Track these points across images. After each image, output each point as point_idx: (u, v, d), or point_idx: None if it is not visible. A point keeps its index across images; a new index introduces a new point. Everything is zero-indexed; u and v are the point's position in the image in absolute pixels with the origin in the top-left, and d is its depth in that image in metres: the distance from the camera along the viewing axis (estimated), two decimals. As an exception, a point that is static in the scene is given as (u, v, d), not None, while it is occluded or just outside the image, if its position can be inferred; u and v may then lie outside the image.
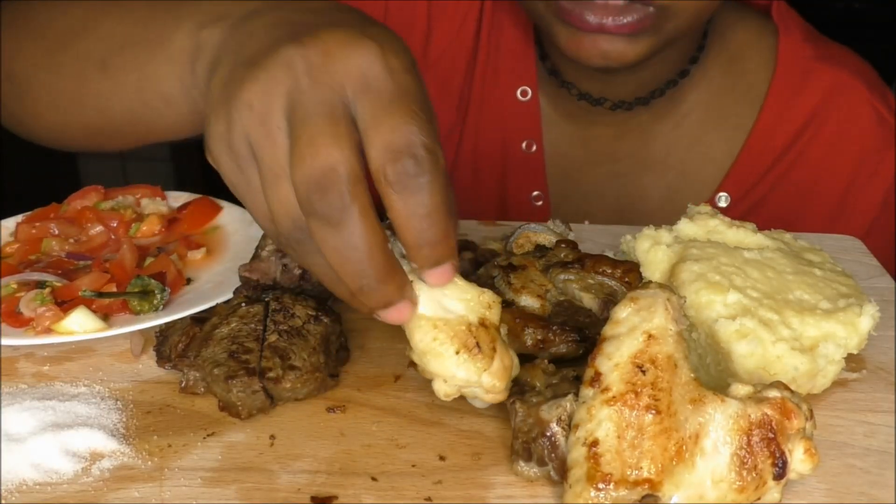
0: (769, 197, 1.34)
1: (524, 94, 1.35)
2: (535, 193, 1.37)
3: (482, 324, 0.69)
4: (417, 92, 0.64)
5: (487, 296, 0.70)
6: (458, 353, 0.67)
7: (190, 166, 3.10)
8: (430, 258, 0.64)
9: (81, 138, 1.09)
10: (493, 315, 0.70)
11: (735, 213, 1.21)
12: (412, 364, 0.70)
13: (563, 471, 0.65)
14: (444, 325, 0.67)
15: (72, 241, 1.01)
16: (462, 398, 0.71)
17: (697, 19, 1.17)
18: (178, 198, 1.11)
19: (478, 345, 0.68)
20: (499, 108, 1.36)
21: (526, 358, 0.78)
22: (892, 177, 1.31)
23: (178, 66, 0.85)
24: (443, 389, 0.69)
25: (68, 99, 1.03)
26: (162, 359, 0.81)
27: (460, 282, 0.69)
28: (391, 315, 0.66)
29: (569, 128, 1.36)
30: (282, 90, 0.63)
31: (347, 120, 0.63)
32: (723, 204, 1.33)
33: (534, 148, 1.36)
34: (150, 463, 0.70)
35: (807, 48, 1.33)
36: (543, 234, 0.95)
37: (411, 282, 0.66)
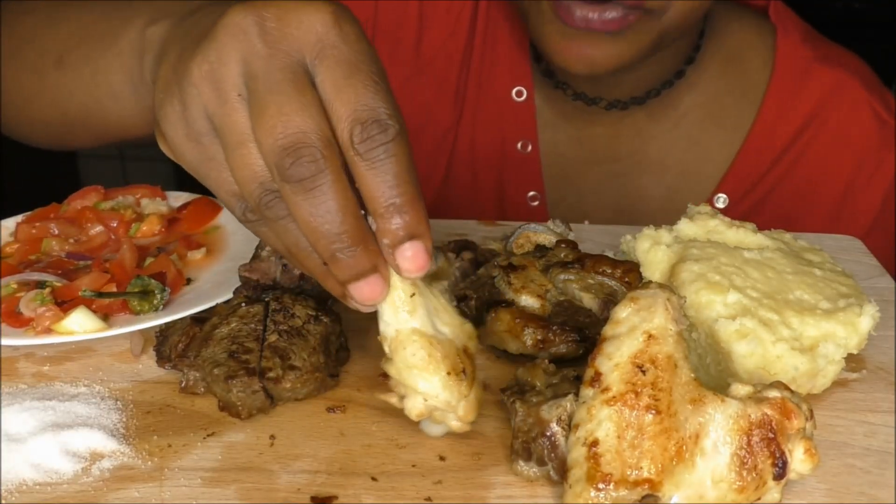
0: (768, 198, 1.34)
1: (519, 94, 1.35)
2: (532, 194, 1.37)
3: (465, 352, 0.69)
4: (374, 60, 0.64)
5: (468, 326, 0.70)
6: (448, 374, 0.66)
7: (190, 166, 3.09)
8: (400, 227, 0.63)
9: (43, 134, 1.12)
10: (473, 346, 0.70)
11: (734, 214, 1.21)
12: (384, 375, 0.68)
13: (563, 471, 0.65)
14: (439, 344, 0.67)
15: (72, 241, 1.01)
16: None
17: (684, 21, 1.17)
18: (178, 198, 1.11)
19: (464, 370, 0.67)
20: (494, 109, 1.36)
21: (526, 358, 0.79)
22: (891, 177, 1.31)
23: (127, 62, 0.87)
24: (417, 409, 0.67)
25: (28, 93, 1.06)
26: (162, 359, 0.81)
27: (449, 307, 0.69)
28: (364, 290, 0.64)
29: (565, 128, 1.36)
30: (236, 56, 0.63)
31: (311, 86, 0.63)
32: (720, 205, 1.33)
33: (529, 148, 1.36)
34: (150, 463, 0.70)
35: (805, 49, 1.33)
36: (543, 234, 0.95)
37: (384, 259, 0.65)
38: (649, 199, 1.36)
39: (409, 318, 0.66)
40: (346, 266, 0.63)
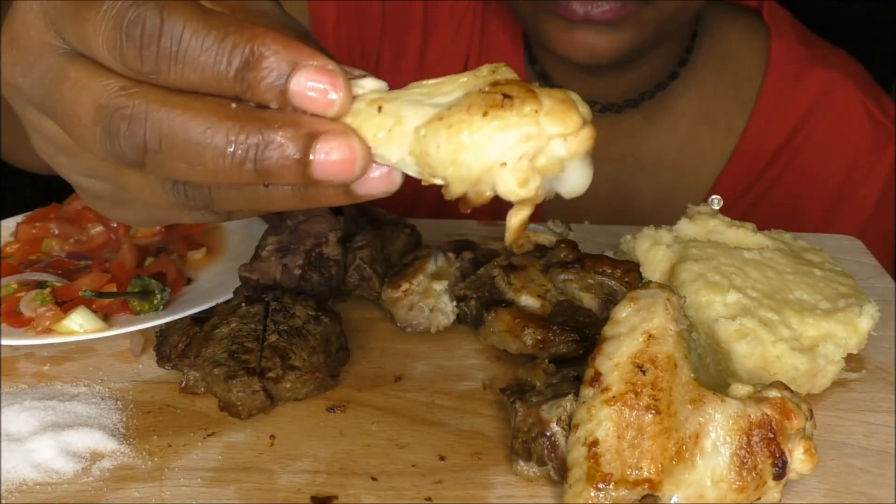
0: (763, 198, 1.34)
1: None
2: None
3: (495, 84, 0.51)
4: None
5: (485, 66, 0.53)
6: (485, 115, 0.49)
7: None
8: (264, 78, 0.49)
9: (31, 167, 1.10)
10: (506, 73, 0.52)
11: (729, 215, 1.21)
12: (464, 203, 0.51)
13: (562, 471, 0.65)
14: (449, 110, 0.50)
15: (72, 241, 1.01)
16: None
17: (681, 13, 1.17)
18: (177, 198, 1.11)
19: (504, 95, 0.49)
20: None
21: (526, 358, 0.79)
22: (885, 177, 1.31)
23: None
24: (512, 178, 0.49)
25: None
26: (162, 359, 0.81)
27: (447, 78, 0.53)
28: (329, 166, 0.50)
29: None
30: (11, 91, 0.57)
31: (76, 58, 0.53)
32: (715, 206, 1.33)
33: None
34: (150, 463, 0.70)
35: (799, 49, 1.33)
36: (543, 234, 0.95)
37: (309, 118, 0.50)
38: (644, 200, 1.36)
39: (403, 129, 0.50)
40: (280, 162, 0.49)
